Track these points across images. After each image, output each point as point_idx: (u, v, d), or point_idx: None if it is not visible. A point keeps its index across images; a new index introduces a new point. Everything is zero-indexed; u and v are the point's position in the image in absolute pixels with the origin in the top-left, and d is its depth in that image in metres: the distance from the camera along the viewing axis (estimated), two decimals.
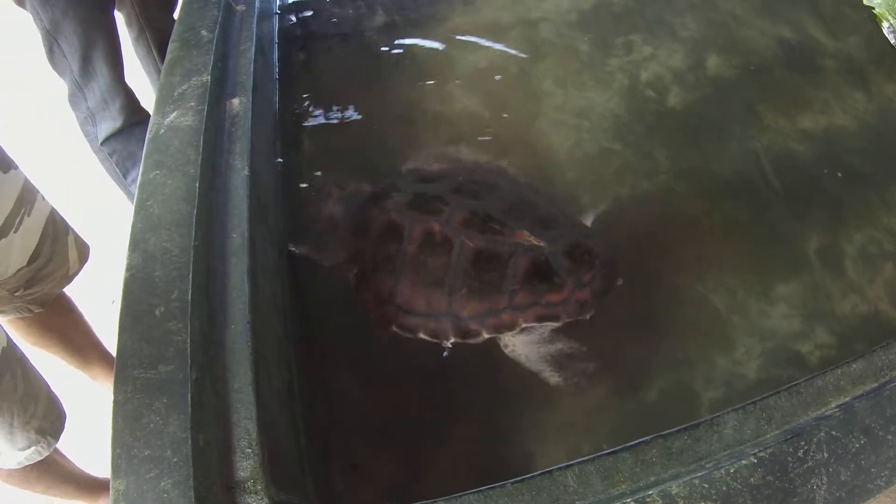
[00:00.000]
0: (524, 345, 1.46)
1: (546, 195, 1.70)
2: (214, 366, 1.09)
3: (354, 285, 1.58)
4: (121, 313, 1.11)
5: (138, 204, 1.26)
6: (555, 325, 1.46)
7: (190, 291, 1.11)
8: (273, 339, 1.29)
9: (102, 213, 3.28)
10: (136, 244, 1.19)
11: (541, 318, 1.42)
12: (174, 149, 1.33)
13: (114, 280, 2.82)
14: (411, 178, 1.74)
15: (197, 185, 1.25)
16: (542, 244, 1.45)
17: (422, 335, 1.47)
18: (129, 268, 1.17)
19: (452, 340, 1.46)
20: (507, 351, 1.47)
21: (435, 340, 1.48)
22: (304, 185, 1.82)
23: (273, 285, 1.39)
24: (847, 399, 1.06)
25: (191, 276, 1.13)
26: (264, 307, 1.24)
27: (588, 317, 1.47)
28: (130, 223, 1.23)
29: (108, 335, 2.63)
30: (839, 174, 1.86)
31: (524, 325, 1.43)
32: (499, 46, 2.22)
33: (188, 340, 1.05)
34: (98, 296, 2.90)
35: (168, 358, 1.04)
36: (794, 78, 2.14)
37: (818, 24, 2.31)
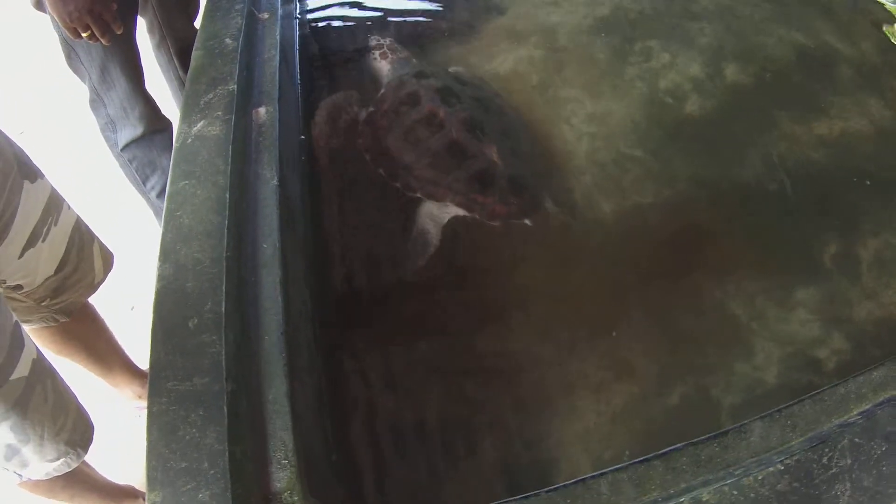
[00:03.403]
0: (429, 210, 1.81)
1: (534, 143, 2.01)
2: (249, 377, 1.09)
3: (364, 118, 1.99)
4: (153, 324, 1.12)
5: (167, 214, 1.26)
6: (466, 213, 1.79)
7: (224, 303, 1.11)
8: (304, 348, 1.30)
9: (120, 218, 3.28)
10: (166, 255, 1.20)
11: (460, 205, 1.78)
12: (202, 158, 1.33)
13: (133, 285, 2.85)
14: (453, 75, 2.11)
15: (227, 195, 1.25)
16: (499, 162, 1.81)
17: (381, 171, 1.86)
18: (160, 278, 1.17)
19: (397, 185, 1.83)
20: (421, 211, 1.81)
21: (382, 176, 1.85)
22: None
23: (303, 294, 1.39)
24: (868, 406, 1.08)
25: (224, 287, 1.13)
26: (296, 317, 1.25)
27: (495, 223, 1.78)
28: (160, 233, 1.24)
29: (127, 341, 2.64)
30: (855, 180, 1.86)
31: (448, 203, 1.79)
32: (518, 54, 2.24)
33: (223, 353, 1.06)
34: (117, 301, 2.91)
35: (203, 370, 1.05)
36: (810, 84, 2.14)
37: (833, 30, 2.31)
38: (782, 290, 1.64)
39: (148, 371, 1.07)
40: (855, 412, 1.06)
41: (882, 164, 1.89)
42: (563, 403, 1.47)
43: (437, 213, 1.80)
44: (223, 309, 1.11)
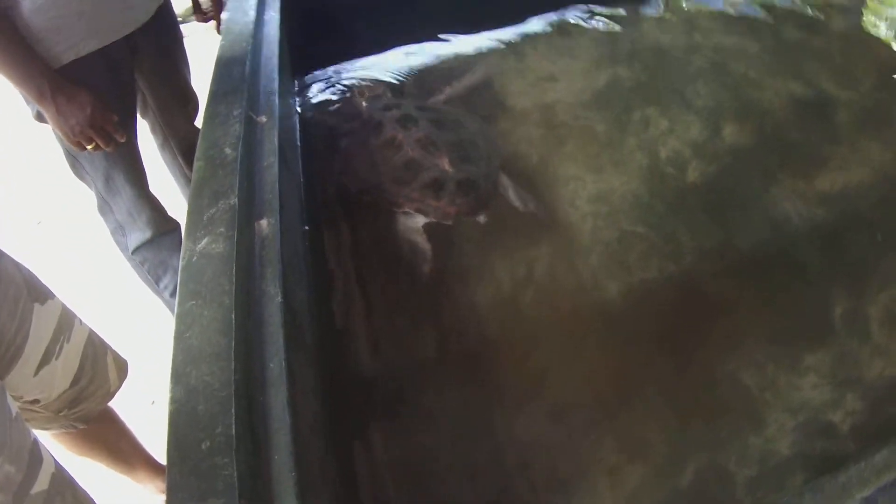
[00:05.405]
0: (404, 224, 2.08)
1: (493, 144, 2.35)
2: (262, 497, 1.11)
3: (344, 146, 2.33)
4: (168, 446, 1.13)
5: (177, 335, 1.27)
6: (425, 218, 2.09)
7: (234, 427, 1.13)
8: (315, 459, 1.31)
9: (137, 312, 3.31)
10: (178, 378, 1.21)
11: (417, 210, 2.09)
12: (208, 277, 1.35)
13: (152, 380, 2.87)
14: (415, 104, 2.46)
15: (233, 316, 1.27)
16: (449, 170, 2.13)
17: (352, 188, 2.18)
18: (172, 401, 1.19)
19: (366, 199, 2.15)
20: (399, 229, 2.09)
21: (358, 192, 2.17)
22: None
23: (313, 406, 1.41)
24: (871, 492, 1.07)
25: (233, 410, 1.15)
26: (305, 433, 1.27)
27: (448, 223, 2.07)
28: (171, 353, 1.26)
29: (149, 435, 2.66)
30: (859, 232, 1.87)
31: (406, 210, 2.09)
32: (518, 133, 2.28)
33: (235, 475, 1.08)
34: (138, 396, 2.93)
35: (217, 492, 1.06)
36: (808, 137, 2.17)
37: (829, 75, 2.34)
38: (793, 355, 1.66)
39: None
40: (857, 497, 1.06)
41: (886, 211, 1.91)
42: (578, 487, 1.48)
43: (409, 223, 2.09)
44: (234, 432, 1.12)
